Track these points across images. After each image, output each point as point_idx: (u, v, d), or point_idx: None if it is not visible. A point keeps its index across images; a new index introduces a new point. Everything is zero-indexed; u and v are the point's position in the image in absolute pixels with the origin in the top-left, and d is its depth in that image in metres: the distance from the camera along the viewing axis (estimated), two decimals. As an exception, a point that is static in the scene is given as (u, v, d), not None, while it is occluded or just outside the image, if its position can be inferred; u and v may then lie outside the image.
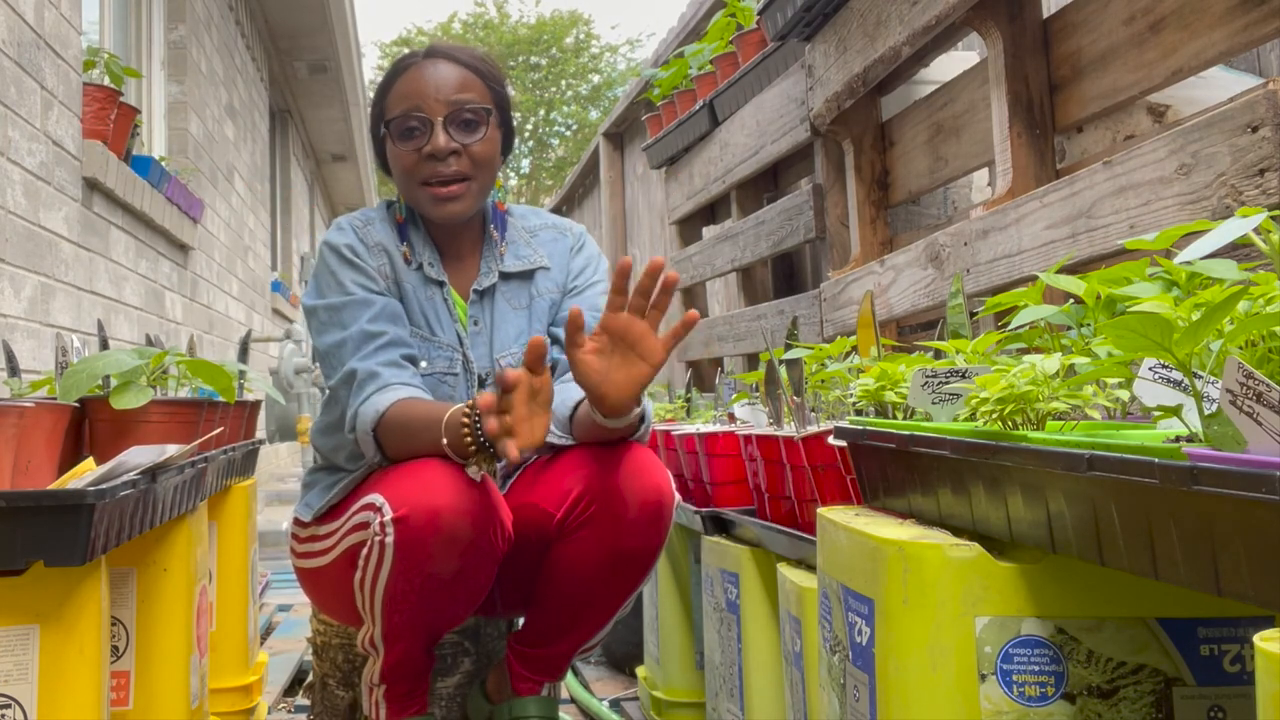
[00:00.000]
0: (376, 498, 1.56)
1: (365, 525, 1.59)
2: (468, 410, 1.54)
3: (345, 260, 1.76)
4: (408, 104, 1.74)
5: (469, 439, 1.53)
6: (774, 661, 1.69)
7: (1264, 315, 0.77)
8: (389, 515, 1.52)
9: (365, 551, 1.57)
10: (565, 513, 1.65)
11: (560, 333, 1.83)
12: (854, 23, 2.52)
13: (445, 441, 1.56)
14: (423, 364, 1.77)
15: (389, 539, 1.52)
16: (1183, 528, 0.78)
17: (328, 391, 1.78)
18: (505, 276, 1.85)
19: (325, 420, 1.80)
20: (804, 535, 1.54)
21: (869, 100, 2.68)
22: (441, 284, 1.81)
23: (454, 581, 1.56)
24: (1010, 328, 1.19)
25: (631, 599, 1.72)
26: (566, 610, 1.71)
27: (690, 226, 4.36)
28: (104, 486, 1.19)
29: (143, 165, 3.90)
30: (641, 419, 1.64)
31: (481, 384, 1.80)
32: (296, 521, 1.84)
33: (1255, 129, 1.34)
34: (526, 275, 1.86)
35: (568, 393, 1.70)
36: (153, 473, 1.36)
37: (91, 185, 3.36)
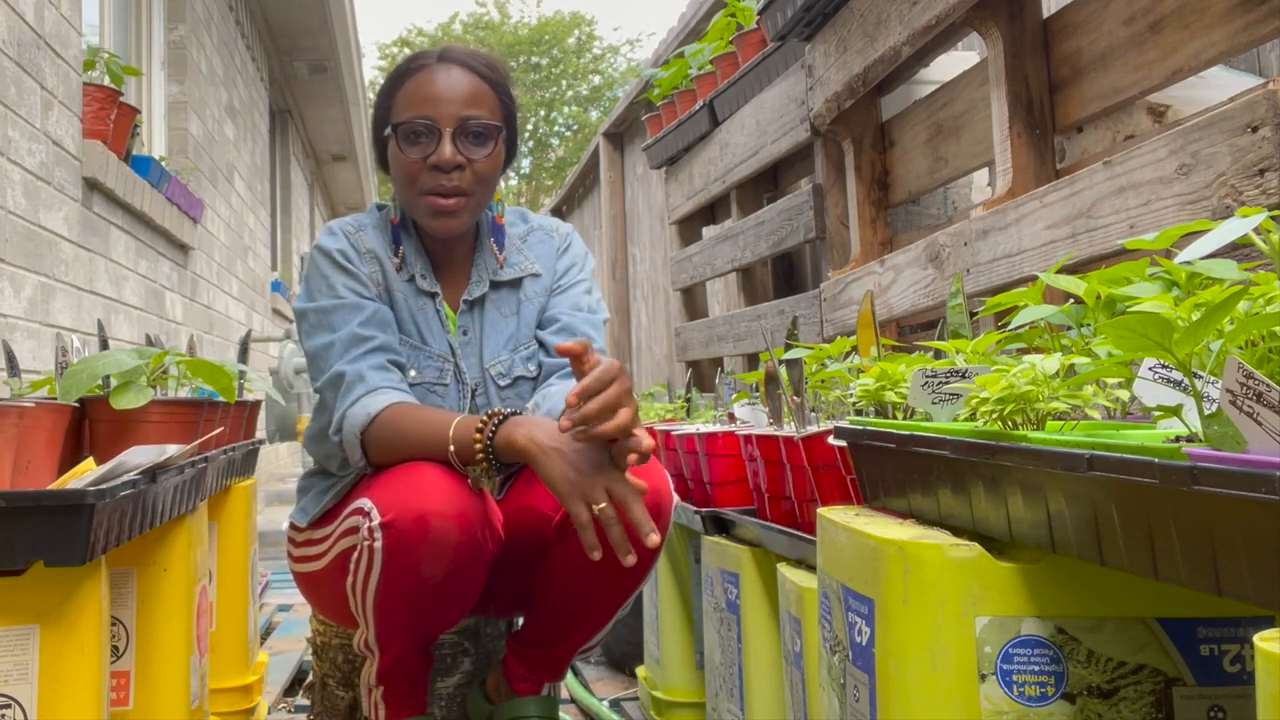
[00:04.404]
0: (365, 502, 1.56)
1: (355, 530, 1.59)
2: (483, 421, 1.55)
3: (337, 265, 1.75)
4: (417, 110, 1.72)
5: (479, 448, 1.54)
6: (774, 661, 1.69)
7: (1264, 315, 0.77)
8: (376, 520, 1.52)
9: (355, 556, 1.57)
10: (564, 514, 1.64)
11: (544, 335, 1.83)
12: (854, 23, 2.52)
13: (452, 448, 1.56)
14: (411, 373, 1.76)
15: (377, 544, 1.52)
16: (1183, 528, 0.78)
17: (317, 397, 1.77)
18: (495, 285, 1.85)
19: (316, 426, 1.79)
20: (804, 535, 1.54)
21: (869, 100, 2.68)
22: (433, 295, 1.81)
23: (444, 584, 1.56)
24: (1010, 328, 1.19)
25: (630, 600, 1.72)
26: (565, 612, 1.71)
27: (690, 226, 4.36)
28: (104, 486, 1.19)
29: (143, 165, 3.90)
30: None
31: (473, 394, 1.80)
32: (292, 526, 1.85)
33: (1255, 129, 1.34)
34: (515, 282, 1.86)
35: (554, 399, 1.70)
36: (153, 473, 1.36)
37: (91, 185, 3.36)
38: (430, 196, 1.73)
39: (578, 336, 1.80)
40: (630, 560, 1.45)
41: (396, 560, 1.52)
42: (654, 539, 1.44)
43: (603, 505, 1.44)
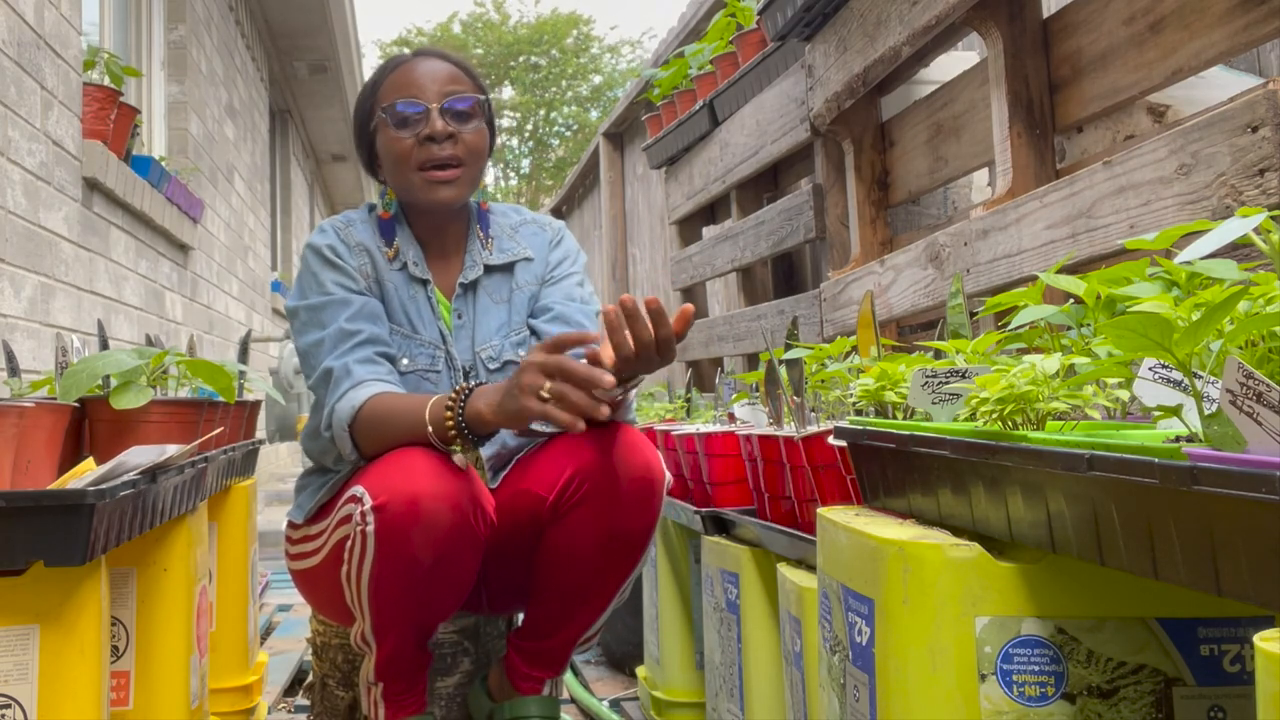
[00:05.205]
0: (358, 489, 1.58)
1: (349, 519, 1.60)
2: (452, 398, 1.57)
3: (326, 261, 1.79)
4: (402, 94, 1.79)
5: (450, 423, 1.56)
6: (774, 661, 1.69)
7: (1264, 315, 0.77)
8: (368, 504, 1.54)
9: (349, 544, 1.59)
10: (558, 494, 1.66)
11: (537, 324, 1.85)
12: (854, 23, 2.52)
13: (430, 429, 1.58)
14: (404, 362, 1.79)
15: (369, 528, 1.54)
16: (1183, 528, 0.78)
17: (314, 396, 1.79)
18: (489, 270, 1.87)
19: (313, 424, 1.81)
20: (804, 535, 1.54)
21: (869, 100, 2.68)
22: (425, 282, 1.83)
23: (437, 567, 1.57)
24: (1010, 328, 1.19)
25: (628, 583, 1.73)
26: (564, 597, 1.72)
27: (690, 226, 4.36)
28: (104, 486, 1.19)
29: (143, 165, 3.90)
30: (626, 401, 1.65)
31: (466, 377, 1.82)
32: (290, 525, 1.86)
33: (1255, 129, 1.34)
34: (508, 269, 1.89)
35: None
36: (153, 473, 1.36)
37: (91, 185, 3.36)
38: (427, 170, 1.77)
39: (571, 325, 1.83)
40: (604, 412, 1.42)
41: (389, 543, 1.53)
42: (608, 379, 1.40)
43: (547, 385, 1.43)
